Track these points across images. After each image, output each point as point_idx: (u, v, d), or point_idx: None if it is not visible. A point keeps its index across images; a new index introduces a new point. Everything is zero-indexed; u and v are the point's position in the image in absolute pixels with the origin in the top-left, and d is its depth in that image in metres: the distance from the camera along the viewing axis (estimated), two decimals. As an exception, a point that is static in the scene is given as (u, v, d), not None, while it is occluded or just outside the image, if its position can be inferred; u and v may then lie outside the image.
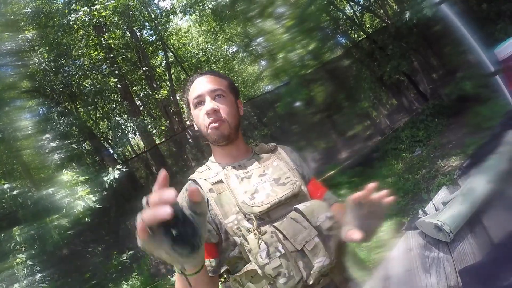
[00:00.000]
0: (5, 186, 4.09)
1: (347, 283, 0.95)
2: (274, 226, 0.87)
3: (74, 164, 4.79)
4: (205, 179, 0.96)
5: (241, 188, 0.92)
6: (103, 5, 6.97)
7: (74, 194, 3.89)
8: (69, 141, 5.59)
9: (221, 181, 0.94)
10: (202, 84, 1.01)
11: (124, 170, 5.00)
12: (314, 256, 0.86)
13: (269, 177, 0.96)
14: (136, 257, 5.59)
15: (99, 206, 4.01)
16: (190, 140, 7.52)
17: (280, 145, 1.14)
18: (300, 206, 0.90)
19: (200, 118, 1.00)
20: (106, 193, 4.47)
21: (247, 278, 0.89)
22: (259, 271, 0.85)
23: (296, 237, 0.86)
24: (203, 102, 0.99)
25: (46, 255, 3.85)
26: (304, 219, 0.88)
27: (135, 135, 12.35)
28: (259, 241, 0.85)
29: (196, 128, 1.07)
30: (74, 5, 6.94)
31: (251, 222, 0.88)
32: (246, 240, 0.87)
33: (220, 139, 0.98)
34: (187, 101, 1.07)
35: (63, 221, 3.68)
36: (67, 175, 4.04)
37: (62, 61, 6.48)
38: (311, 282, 0.85)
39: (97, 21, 7.23)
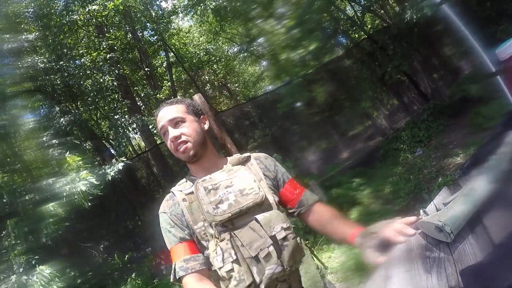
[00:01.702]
0: (4, 181, 4.08)
1: None
2: (232, 234, 0.98)
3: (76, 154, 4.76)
4: (181, 191, 1.09)
5: (207, 199, 1.01)
6: (101, 6, 6.97)
7: (75, 178, 3.83)
8: (70, 137, 5.58)
9: (192, 193, 1.06)
10: (162, 117, 1.15)
11: (128, 162, 5.00)
12: (267, 263, 0.95)
13: (235, 188, 1.04)
14: (136, 258, 5.60)
15: (101, 193, 3.98)
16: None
17: (255, 153, 1.22)
18: (259, 217, 0.99)
19: (169, 145, 1.14)
20: (108, 187, 4.44)
21: (215, 275, 1.01)
22: (218, 272, 0.97)
23: (251, 245, 0.96)
24: (167, 132, 1.13)
25: (42, 249, 3.83)
26: (261, 228, 0.98)
27: (136, 133, 12.37)
28: (216, 246, 0.97)
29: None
30: (72, 6, 6.94)
31: (213, 230, 0.99)
32: (208, 244, 1.00)
33: (189, 159, 1.11)
34: (158, 131, 1.20)
35: (58, 211, 3.64)
36: (70, 159, 3.98)
37: (63, 62, 6.49)
38: (263, 287, 0.95)
39: (97, 21, 7.24)
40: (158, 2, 12.25)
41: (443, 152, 5.01)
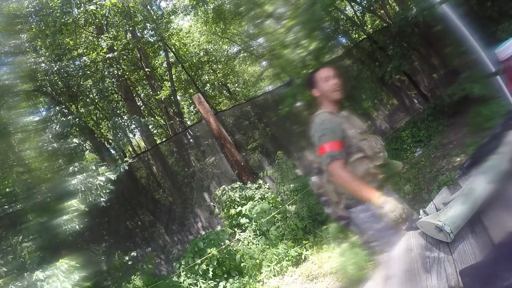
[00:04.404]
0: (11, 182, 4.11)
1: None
2: (368, 138, 1.83)
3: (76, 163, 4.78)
4: (335, 112, 1.87)
5: (355, 119, 1.89)
6: (99, 5, 6.94)
7: (92, 174, 3.99)
8: (70, 139, 5.57)
9: (344, 115, 1.87)
10: (329, 72, 1.93)
11: (132, 161, 5.01)
12: (382, 152, 1.83)
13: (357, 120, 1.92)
14: (136, 258, 5.59)
15: (113, 188, 4.12)
16: (191, 140, 7.52)
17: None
18: (373, 135, 1.90)
19: (331, 85, 1.89)
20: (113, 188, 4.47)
21: (355, 162, 1.76)
22: (370, 153, 1.78)
23: (376, 143, 1.83)
24: (331, 79, 1.90)
25: (53, 247, 3.86)
26: (376, 139, 1.86)
27: (134, 136, 12.37)
28: (369, 141, 1.81)
29: (317, 94, 1.95)
30: (69, 6, 6.93)
31: (361, 136, 1.81)
32: (363, 141, 1.79)
33: (337, 98, 1.89)
34: (318, 79, 1.93)
35: (80, 206, 3.69)
36: (88, 157, 4.16)
37: (62, 62, 6.47)
38: (381, 163, 1.80)
39: (95, 21, 7.22)
40: (158, 2, 12.23)
41: (443, 152, 5.01)
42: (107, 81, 7.05)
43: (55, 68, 6.39)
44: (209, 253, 4.14)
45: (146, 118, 7.66)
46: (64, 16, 6.80)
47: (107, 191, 4.00)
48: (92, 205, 4.01)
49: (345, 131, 1.77)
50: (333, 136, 1.72)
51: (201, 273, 4.04)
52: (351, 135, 1.76)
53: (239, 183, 5.62)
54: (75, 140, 5.42)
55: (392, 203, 1.56)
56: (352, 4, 10.09)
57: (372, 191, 1.61)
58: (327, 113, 1.83)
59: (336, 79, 1.90)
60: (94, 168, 4.07)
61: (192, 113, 15.01)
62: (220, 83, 16.26)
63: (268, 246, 4.34)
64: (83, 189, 3.84)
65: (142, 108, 12.73)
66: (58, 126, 5.49)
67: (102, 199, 3.96)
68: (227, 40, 15.07)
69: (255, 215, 4.64)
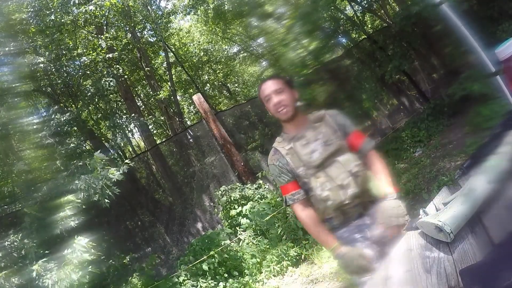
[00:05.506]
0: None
1: (371, 202, 1.54)
2: (325, 172, 1.49)
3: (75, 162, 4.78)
4: (283, 147, 1.57)
5: (304, 152, 1.52)
6: (98, 5, 6.93)
7: (98, 175, 3.98)
8: (68, 139, 5.57)
9: (292, 148, 1.54)
10: (267, 88, 1.56)
11: (132, 165, 4.99)
12: (348, 188, 1.46)
13: (320, 141, 1.52)
14: (136, 258, 5.59)
15: (119, 192, 4.11)
16: (191, 140, 7.52)
17: (327, 110, 1.63)
18: (339, 159, 1.50)
19: (271, 108, 1.55)
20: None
21: (313, 199, 1.53)
22: (318, 197, 1.48)
23: (337, 177, 1.47)
24: (271, 99, 1.54)
25: (51, 245, 3.86)
26: (342, 166, 1.48)
27: (133, 135, 12.37)
28: (317, 182, 1.49)
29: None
30: (68, 7, 6.92)
31: (312, 171, 1.50)
32: (310, 182, 1.50)
33: (286, 119, 1.55)
34: (261, 98, 1.60)
35: (76, 201, 3.68)
36: (97, 158, 4.12)
37: (62, 62, 6.47)
38: (347, 202, 1.47)
39: (95, 21, 7.22)
40: (157, 2, 12.23)
41: (443, 152, 5.01)
42: (105, 81, 7.03)
43: (55, 68, 6.39)
44: (209, 253, 4.13)
45: (145, 117, 7.66)
46: (63, 16, 6.80)
47: (112, 193, 3.99)
48: (92, 204, 4.00)
49: (294, 170, 1.54)
50: (282, 181, 1.57)
51: (201, 273, 4.04)
52: (300, 174, 1.52)
53: (238, 183, 5.62)
54: (73, 139, 5.41)
55: (350, 255, 1.41)
56: (352, 4, 10.09)
57: (329, 240, 1.49)
58: (273, 153, 1.61)
59: (279, 97, 1.52)
60: (100, 169, 4.05)
61: (192, 113, 15.01)
62: (220, 83, 16.26)
63: (268, 246, 4.34)
64: (86, 189, 3.83)
65: (142, 108, 12.73)
66: (56, 124, 5.48)
67: (106, 200, 3.96)
68: (227, 40, 15.06)
69: (255, 215, 4.64)
